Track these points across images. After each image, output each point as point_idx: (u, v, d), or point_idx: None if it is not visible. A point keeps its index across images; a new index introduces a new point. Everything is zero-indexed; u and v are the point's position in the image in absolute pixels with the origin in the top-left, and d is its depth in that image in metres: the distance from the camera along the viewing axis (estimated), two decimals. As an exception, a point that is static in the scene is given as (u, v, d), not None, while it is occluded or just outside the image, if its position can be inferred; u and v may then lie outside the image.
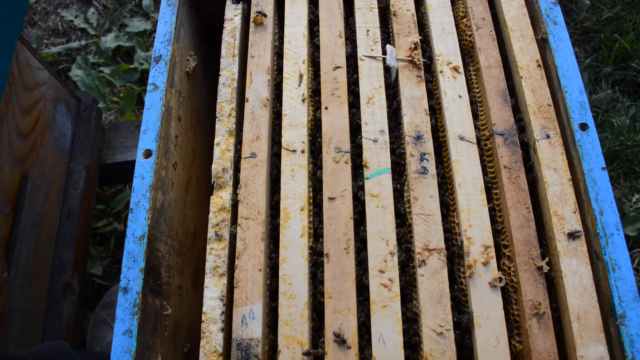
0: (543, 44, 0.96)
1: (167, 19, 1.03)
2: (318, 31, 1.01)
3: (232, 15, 1.05)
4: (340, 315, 0.78)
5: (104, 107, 1.94)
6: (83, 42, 2.16)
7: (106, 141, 1.51)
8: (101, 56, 2.11)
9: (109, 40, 2.13)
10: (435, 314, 0.77)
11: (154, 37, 2.13)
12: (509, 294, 0.81)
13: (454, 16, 1.02)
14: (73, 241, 1.32)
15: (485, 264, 0.79)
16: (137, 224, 0.86)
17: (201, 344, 0.81)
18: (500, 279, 0.78)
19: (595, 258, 0.80)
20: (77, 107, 1.44)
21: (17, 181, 1.19)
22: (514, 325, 0.80)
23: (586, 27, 1.96)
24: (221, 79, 0.99)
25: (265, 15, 1.01)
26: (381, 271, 0.79)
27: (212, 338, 0.81)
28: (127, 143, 1.51)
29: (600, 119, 1.79)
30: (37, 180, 1.24)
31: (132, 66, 2.05)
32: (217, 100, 0.97)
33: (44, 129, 1.29)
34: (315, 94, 0.98)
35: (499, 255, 0.83)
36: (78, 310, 1.31)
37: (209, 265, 0.85)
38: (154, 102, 0.94)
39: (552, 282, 0.81)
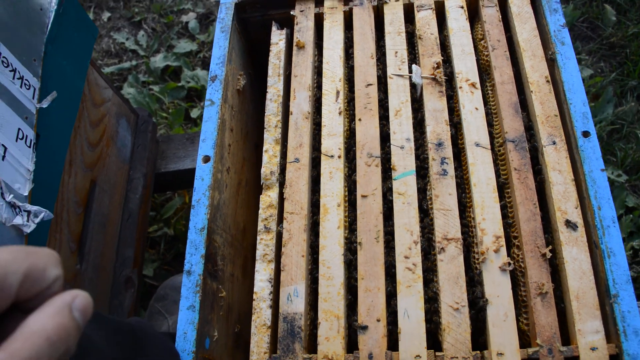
0: (552, 62, 1.11)
1: (221, 44, 1.22)
2: (352, 53, 1.19)
3: (277, 39, 1.24)
4: (371, 294, 0.94)
5: (155, 121, 2.16)
6: (134, 62, 2.40)
7: (160, 152, 1.72)
8: (150, 75, 2.34)
9: (158, 61, 2.35)
10: (453, 292, 0.92)
11: (199, 57, 2.35)
12: (518, 278, 0.96)
13: (473, 38, 1.18)
14: (133, 240, 1.52)
15: (497, 251, 0.95)
16: (198, 218, 1.04)
17: (253, 318, 0.98)
18: (509, 264, 0.94)
19: (594, 247, 0.95)
20: (135, 122, 1.66)
21: (88, 186, 1.39)
22: (521, 305, 0.95)
23: (612, 42, 2.10)
24: (268, 95, 1.17)
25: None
26: (406, 257, 0.96)
27: (262, 313, 0.98)
28: (179, 154, 1.71)
29: (626, 131, 1.91)
30: (103, 185, 1.45)
31: (180, 84, 2.27)
32: (265, 114, 1.15)
33: (109, 140, 1.50)
34: (350, 107, 1.16)
35: (509, 246, 0.99)
36: (136, 302, 1.50)
37: (259, 253, 1.03)
38: (211, 116, 1.13)
39: (556, 269, 0.96)
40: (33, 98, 1.10)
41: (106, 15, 2.54)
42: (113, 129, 1.53)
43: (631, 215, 1.77)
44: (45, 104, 1.12)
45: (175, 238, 1.95)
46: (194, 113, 2.19)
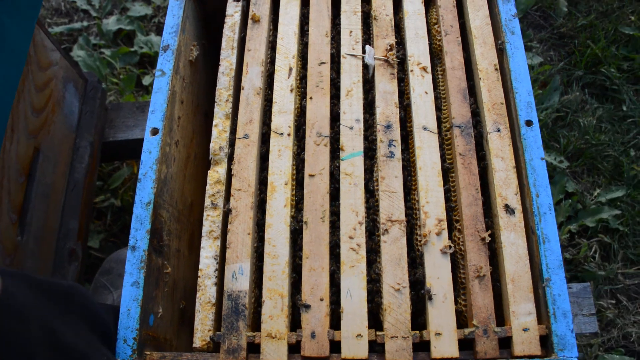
0: (501, 51, 1.13)
1: (174, 13, 1.19)
2: (308, 30, 1.18)
3: (233, 11, 1.22)
4: (315, 273, 0.95)
5: (104, 87, 2.10)
6: (85, 24, 2.31)
7: (109, 120, 1.67)
8: (102, 38, 2.26)
9: (111, 23, 2.27)
10: (394, 273, 0.95)
11: (154, 22, 2.29)
12: (458, 261, 0.99)
13: (427, 22, 1.19)
14: (77, 212, 1.48)
15: (438, 234, 0.97)
16: (145, 192, 1.03)
17: (197, 295, 0.98)
18: (450, 247, 0.96)
19: (531, 233, 0.98)
20: (84, 87, 1.61)
21: (31, 153, 1.35)
22: (460, 287, 0.98)
23: (562, 32, 2.14)
24: (221, 69, 1.15)
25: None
26: (351, 237, 0.97)
27: (206, 290, 0.98)
28: (129, 123, 1.67)
29: (570, 119, 1.97)
30: (47, 153, 1.41)
31: (132, 49, 2.20)
32: (217, 87, 1.13)
33: (55, 106, 1.45)
34: (302, 85, 1.15)
35: (451, 229, 1.01)
36: (81, 275, 1.47)
37: (205, 229, 1.02)
38: (161, 87, 1.11)
39: (494, 253, 0.99)
40: (-28, 60, 1.05)
41: (56, -27, 2.43)
42: (59, 94, 1.48)
43: (570, 200, 1.84)
44: (-15, 67, 1.07)
45: (123, 209, 1.91)
46: (146, 80, 2.14)
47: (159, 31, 2.28)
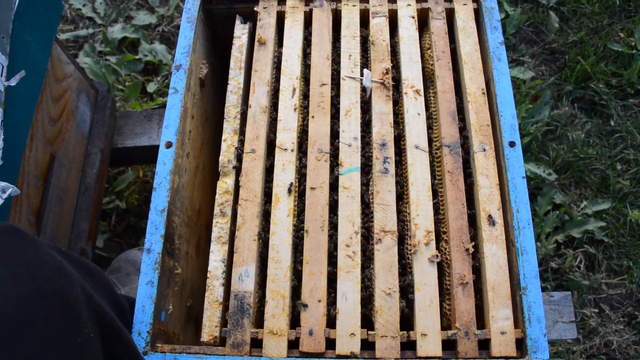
0: (489, 75, 1.26)
1: (186, 34, 1.31)
2: (310, 53, 1.31)
3: (240, 33, 1.35)
4: (314, 277, 1.08)
5: (113, 98, 2.22)
6: (90, 31, 2.43)
7: (117, 127, 1.80)
8: (107, 45, 2.38)
9: (116, 31, 2.40)
10: (386, 279, 1.07)
11: (158, 31, 2.41)
12: (444, 269, 1.11)
13: (420, 47, 1.32)
14: (88, 214, 1.60)
15: (427, 244, 1.10)
16: (159, 200, 1.15)
17: (206, 294, 1.10)
18: (437, 256, 1.09)
19: (511, 245, 1.11)
20: (95, 97, 1.73)
21: (47, 160, 1.47)
22: (445, 292, 1.10)
23: (553, 47, 2.28)
24: (229, 87, 1.28)
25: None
26: (347, 245, 1.10)
27: (214, 290, 1.11)
28: (136, 130, 1.79)
29: (559, 132, 2.11)
30: (62, 159, 1.53)
31: (137, 57, 2.33)
32: (226, 105, 1.26)
33: (69, 115, 1.57)
34: (305, 104, 1.28)
35: (438, 240, 1.14)
36: (90, 273, 1.59)
37: (214, 235, 1.15)
38: (174, 103, 1.23)
39: (477, 262, 1.12)
40: (1, 76, 1.17)
41: (63, -20, 2.55)
42: (73, 104, 1.60)
43: (557, 212, 1.97)
44: (13, 82, 1.19)
45: (127, 211, 2.03)
46: (151, 87, 2.26)
47: (163, 40, 2.41)
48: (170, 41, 2.39)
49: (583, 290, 1.90)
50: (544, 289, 1.87)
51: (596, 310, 1.88)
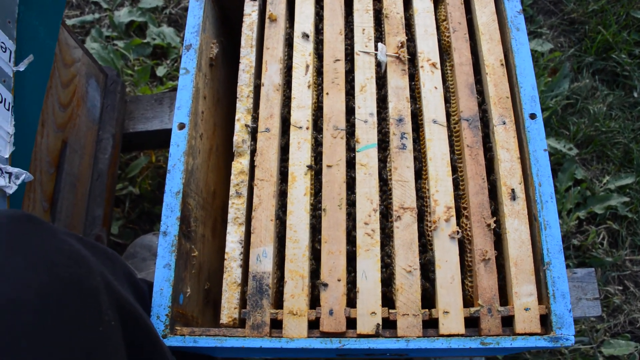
0: (507, 46, 1.25)
1: (195, 13, 1.31)
2: (322, 28, 1.29)
3: (250, 11, 1.34)
4: (333, 256, 1.08)
5: (123, 82, 2.22)
6: (97, 16, 2.43)
7: (128, 112, 1.80)
8: (115, 30, 2.38)
9: (123, 15, 2.39)
10: (406, 257, 1.07)
11: (166, 13, 2.40)
12: (465, 245, 1.11)
13: (436, 19, 1.30)
14: (102, 200, 1.61)
15: (447, 220, 1.09)
16: (174, 182, 1.15)
17: (224, 276, 1.11)
18: (458, 232, 1.08)
19: (533, 219, 1.10)
20: (104, 81, 1.73)
21: (59, 146, 1.48)
22: (467, 269, 1.10)
23: (573, 18, 2.24)
24: (241, 66, 1.27)
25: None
26: (366, 223, 1.09)
27: (232, 272, 1.11)
28: (147, 115, 1.79)
29: (579, 106, 2.08)
30: (74, 145, 1.54)
31: (145, 41, 2.32)
32: (238, 84, 1.25)
33: (79, 101, 1.58)
34: (318, 81, 1.27)
35: (459, 216, 1.13)
36: (105, 259, 1.61)
37: (230, 216, 1.15)
38: (186, 84, 1.23)
39: (499, 238, 1.11)
40: (9, 61, 1.18)
41: (68, -36, 2.55)
42: (83, 89, 1.60)
43: (579, 187, 1.95)
44: (22, 67, 1.19)
45: (140, 197, 2.05)
46: (160, 71, 2.26)
47: (171, 22, 2.40)
48: (178, 23, 2.39)
49: (606, 267, 1.88)
50: (566, 266, 1.86)
51: (620, 288, 1.87)
